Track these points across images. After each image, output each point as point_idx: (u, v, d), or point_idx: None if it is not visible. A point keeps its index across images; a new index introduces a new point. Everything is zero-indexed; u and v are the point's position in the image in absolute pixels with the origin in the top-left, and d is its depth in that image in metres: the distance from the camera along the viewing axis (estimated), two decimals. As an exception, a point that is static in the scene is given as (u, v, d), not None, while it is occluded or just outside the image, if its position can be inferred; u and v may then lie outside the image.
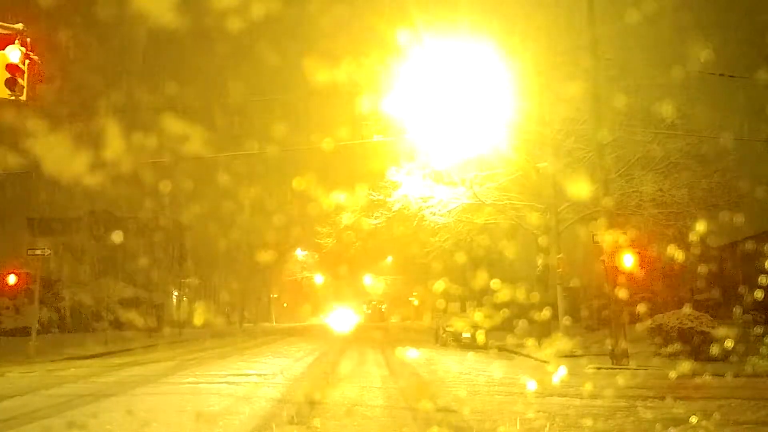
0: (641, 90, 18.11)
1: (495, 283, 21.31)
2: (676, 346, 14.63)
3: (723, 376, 11.80)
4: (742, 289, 16.38)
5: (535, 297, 19.75)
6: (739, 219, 17.52)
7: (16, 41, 9.37)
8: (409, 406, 9.39)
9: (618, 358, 14.76)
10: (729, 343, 13.37)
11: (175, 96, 24.80)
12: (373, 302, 66.10)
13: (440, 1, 19.02)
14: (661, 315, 16.22)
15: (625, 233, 15.50)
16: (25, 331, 21.13)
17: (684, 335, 15.01)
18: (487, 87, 17.65)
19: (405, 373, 14.27)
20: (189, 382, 12.08)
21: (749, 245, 19.24)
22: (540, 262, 20.80)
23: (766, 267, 15.29)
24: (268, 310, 64.88)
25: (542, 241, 20.43)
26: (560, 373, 12.39)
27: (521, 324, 20.08)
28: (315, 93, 17.48)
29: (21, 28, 9.48)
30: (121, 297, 30.14)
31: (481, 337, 20.87)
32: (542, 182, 20.30)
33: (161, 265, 35.78)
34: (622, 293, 14.68)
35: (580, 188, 16.73)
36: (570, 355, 16.37)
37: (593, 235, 16.04)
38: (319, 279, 69.58)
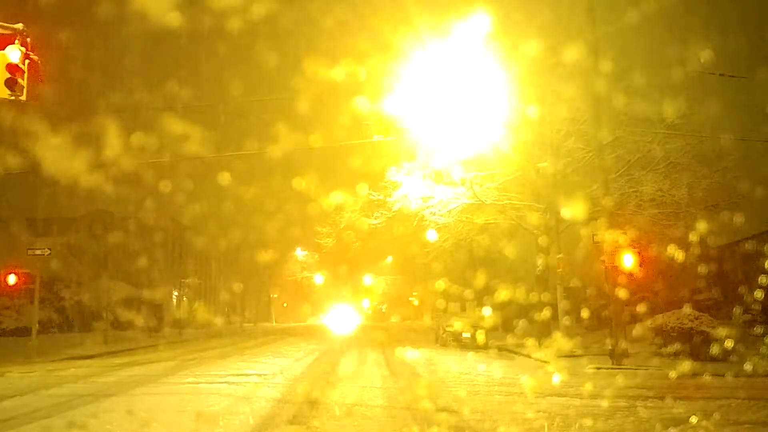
0: (641, 90, 18.12)
1: (495, 283, 21.32)
2: (676, 346, 14.63)
3: (723, 376, 11.80)
4: (742, 289, 16.36)
5: (535, 297, 19.74)
6: (739, 219, 17.50)
7: (16, 41, 9.35)
8: (409, 406, 9.38)
9: (618, 358, 14.76)
10: (729, 343, 13.37)
11: (175, 96, 24.82)
12: (374, 302, 66.14)
13: (440, 1, 19.01)
14: (661, 315, 16.21)
15: (625, 233, 15.50)
16: (25, 331, 21.13)
17: (684, 335, 15.01)
18: (487, 87, 17.66)
19: (405, 373, 14.26)
20: (189, 382, 12.08)
21: (749, 245, 19.24)
22: (540, 262, 20.80)
23: (766, 267, 15.28)
24: (268, 310, 64.95)
25: (542, 241, 20.43)
26: (560, 373, 12.39)
27: (521, 324, 20.09)
28: (315, 93, 17.46)
29: (21, 28, 9.47)
30: (121, 297, 30.13)
31: (481, 337, 20.87)
32: (542, 182, 20.30)
33: (161, 265, 35.78)
34: (622, 293, 14.68)
35: (576, 210, 16.99)
36: (570, 355, 16.38)
37: (593, 235, 16.04)
38: (319, 279, 69.60)
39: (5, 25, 9.51)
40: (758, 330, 15.21)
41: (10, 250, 23.28)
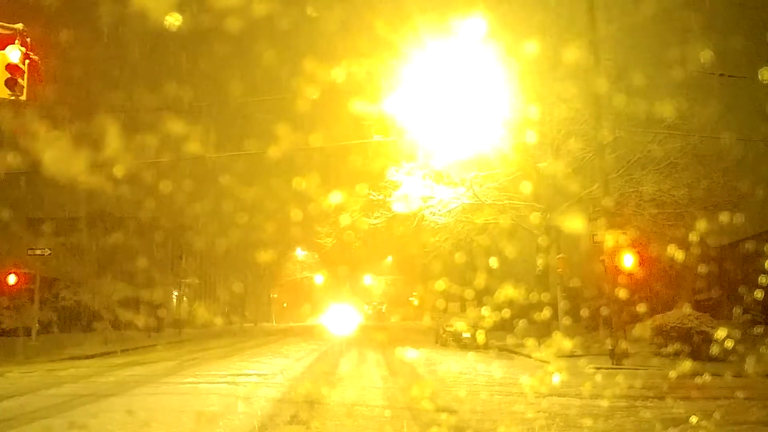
0: (641, 90, 18.12)
1: (495, 283, 21.32)
2: (676, 346, 14.62)
3: (723, 376, 11.80)
4: (742, 289, 16.34)
5: (535, 297, 19.75)
6: (739, 219, 17.50)
7: (16, 41, 9.36)
8: (409, 406, 9.39)
9: (618, 358, 14.76)
10: (729, 343, 13.36)
11: (175, 96, 24.80)
12: (374, 302, 66.16)
13: (440, 1, 19.01)
14: (661, 315, 16.21)
15: (625, 233, 15.50)
16: (25, 331, 21.10)
17: (684, 335, 15.01)
18: (487, 87, 17.67)
19: (405, 373, 14.27)
20: (189, 382, 12.08)
21: (749, 245, 19.21)
22: (540, 262, 20.81)
23: (766, 267, 15.27)
24: (268, 310, 64.88)
25: (542, 241, 20.44)
26: (560, 373, 12.39)
27: (521, 324, 20.09)
28: (315, 93, 17.45)
29: (21, 28, 9.47)
30: (121, 297, 30.09)
31: (481, 337, 20.87)
32: (542, 182, 20.30)
33: (161, 265, 35.71)
34: (622, 293, 14.68)
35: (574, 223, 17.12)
36: (570, 355, 16.38)
37: (593, 235, 16.05)
38: (319, 279, 69.62)
39: (5, 25, 9.51)
40: (758, 330, 15.20)
41: (10, 250, 23.27)
